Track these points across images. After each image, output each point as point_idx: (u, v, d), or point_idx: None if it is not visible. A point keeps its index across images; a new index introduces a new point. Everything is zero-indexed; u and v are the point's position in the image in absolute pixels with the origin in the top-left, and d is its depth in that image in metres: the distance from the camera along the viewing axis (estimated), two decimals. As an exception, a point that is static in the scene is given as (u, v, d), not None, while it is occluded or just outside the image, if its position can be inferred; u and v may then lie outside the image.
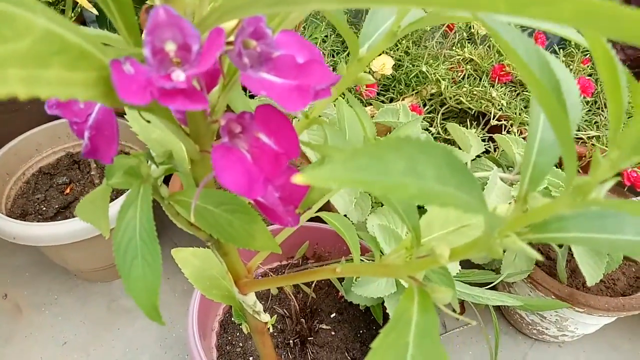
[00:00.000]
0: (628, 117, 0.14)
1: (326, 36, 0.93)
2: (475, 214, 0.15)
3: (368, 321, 0.69)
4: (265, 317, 0.42)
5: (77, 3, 0.66)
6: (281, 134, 0.21)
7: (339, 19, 0.25)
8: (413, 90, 0.93)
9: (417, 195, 0.13)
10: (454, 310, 0.27)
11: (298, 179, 0.12)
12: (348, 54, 0.93)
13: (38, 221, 0.79)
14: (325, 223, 0.72)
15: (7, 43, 0.12)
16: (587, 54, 0.94)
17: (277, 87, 0.19)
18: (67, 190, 0.85)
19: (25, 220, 0.77)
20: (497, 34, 0.15)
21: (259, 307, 0.40)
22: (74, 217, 0.80)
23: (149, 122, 0.28)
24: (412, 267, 0.23)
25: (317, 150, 0.24)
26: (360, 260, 0.55)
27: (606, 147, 0.84)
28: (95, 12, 0.61)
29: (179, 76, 0.17)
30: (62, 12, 0.63)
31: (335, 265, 0.27)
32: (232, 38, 0.19)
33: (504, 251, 0.58)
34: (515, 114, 0.85)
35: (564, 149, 0.16)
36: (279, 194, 0.23)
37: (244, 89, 0.27)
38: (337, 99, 0.38)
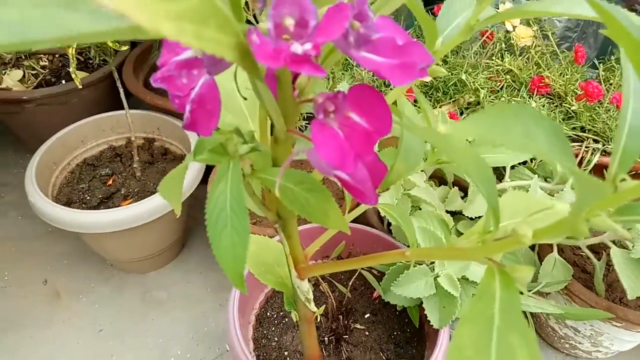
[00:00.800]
0: None
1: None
2: (577, 178, 0.16)
3: (402, 323, 0.70)
4: (314, 307, 0.43)
5: None
6: (374, 112, 0.22)
7: (419, 8, 0.26)
8: (450, 98, 0.94)
9: (536, 153, 0.14)
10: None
11: (442, 128, 0.13)
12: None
13: (82, 209, 0.81)
14: (362, 224, 0.73)
15: (184, 0, 0.13)
16: (628, 69, 0.94)
17: (382, 64, 0.20)
18: (110, 182, 0.88)
19: (70, 208, 0.79)
20: (604, 10, 0.15)
21: (311, 294, 0.41)
22: (116, 207, 0.83)
23: (245, 98, 0.29)
24: (490, 248, 0.24)
25: (400, 125, 0.25)
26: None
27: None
28: None
29: (297, 49, 0.18)
30: None
31: (404, 249, 0.28)
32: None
33: (541, 262, 0.57)
34: (554, 125, 0.85)
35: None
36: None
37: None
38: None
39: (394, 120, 0.23)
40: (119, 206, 0.82)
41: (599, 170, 0.87)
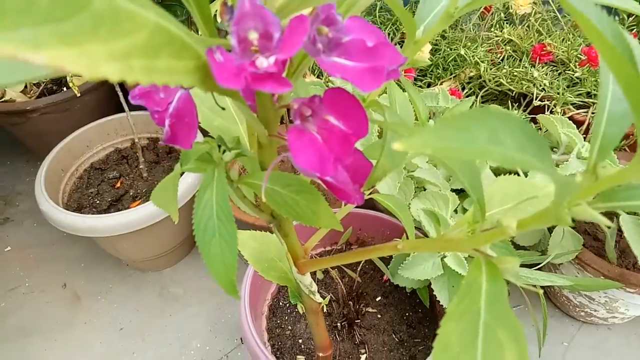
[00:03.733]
0: None
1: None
2: (549, 178, 0.16)
3: (414, 304, 0.70)
4: (319, 298, 0.44)
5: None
6: (350, 115, 0.22)
7: (396, 4, 0.26)
8: (451, 74, 0.92)
9: (501, 160, 0.14)
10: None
11: (397, 145, 0.13)
12: (391, 39, 0.93)
13: (93, 214, 0.83)
14: (368, 209, 0.73)
15: (129, 36, 0.14)
16: (632, 28, 0.91)
17: (350, 70, 0.20)
18: (118, 184, 0.89)
19: (81, 214, 0.81)
20: (571, 5, 0.15)
21: (314, 287, 0.42)
22: (125, 209, 0.84)
23: (223, 109, 0.29)
24: (478, 240, 0.24)
25: (382, 126, 0.25)
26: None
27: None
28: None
29: (262, 63, 0.18)
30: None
31: (397, 242, 0.28)
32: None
33: (551, 231, 0.57)
34: (558, 93, 0.84)
35: (637, 115, 0.17)
36: (347, 174, 0.24)
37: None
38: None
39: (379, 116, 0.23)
40: (128, 208, 0.84)
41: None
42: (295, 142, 0.22)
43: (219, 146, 0.27)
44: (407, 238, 0.36)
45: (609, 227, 0.72)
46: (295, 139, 0.22)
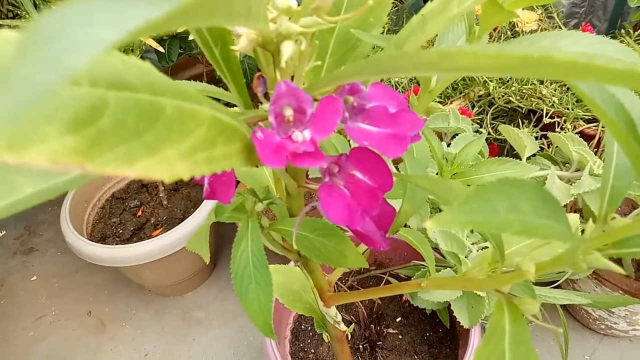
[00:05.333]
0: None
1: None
2: (565, 241, 0.18)
3: (434, 324, 0.71)
4: (344, 327, 0.45)
5: (142, 41, 0.72)
6: (375, 170, 0.24)
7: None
8: (460, 92, 0.94)
9: (521, 231, 0.16)
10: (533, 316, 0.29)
11: (429, 224, 0.15)
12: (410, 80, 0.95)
13: (116, 244, 0.85)
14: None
15: (193, 133, 0.16)
16: (638, 41, 0.93)
17: (375, 136, 0.22)
18: (139, 213, 0.92)
19: (105, 243, 0.83)
20: (577, 87, 0.17)
21: (339, 317, 0.43)
22: (148, 237, 0.86)
23: (257, 166, 0.31)
24: (498, 281, 0.25)
25: (403, 179, 0.27)
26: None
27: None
28: (161, 49, 0.67)
29: (297, 136, 0.20)
30: (132, 50, 0.69)
31: (421, 280, 0.30)
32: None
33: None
34: (568, 109, 0.85)
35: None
36: (373, 222, 0.26)
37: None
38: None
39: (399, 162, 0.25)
40: (150, 236, 0.86)
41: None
42: (326, 198, 0.24)
43: (252, 197, 0.29)
44: (429, 270, 0.37)
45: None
46: (325, 195, 0.24)
